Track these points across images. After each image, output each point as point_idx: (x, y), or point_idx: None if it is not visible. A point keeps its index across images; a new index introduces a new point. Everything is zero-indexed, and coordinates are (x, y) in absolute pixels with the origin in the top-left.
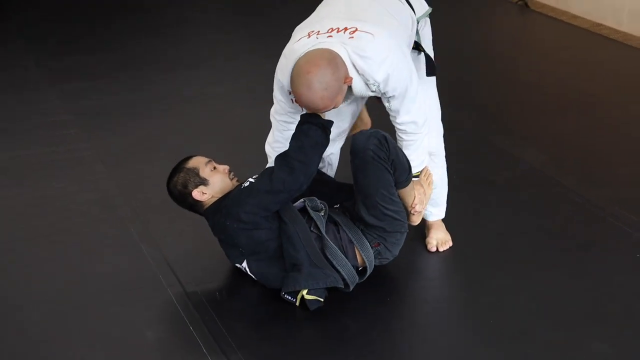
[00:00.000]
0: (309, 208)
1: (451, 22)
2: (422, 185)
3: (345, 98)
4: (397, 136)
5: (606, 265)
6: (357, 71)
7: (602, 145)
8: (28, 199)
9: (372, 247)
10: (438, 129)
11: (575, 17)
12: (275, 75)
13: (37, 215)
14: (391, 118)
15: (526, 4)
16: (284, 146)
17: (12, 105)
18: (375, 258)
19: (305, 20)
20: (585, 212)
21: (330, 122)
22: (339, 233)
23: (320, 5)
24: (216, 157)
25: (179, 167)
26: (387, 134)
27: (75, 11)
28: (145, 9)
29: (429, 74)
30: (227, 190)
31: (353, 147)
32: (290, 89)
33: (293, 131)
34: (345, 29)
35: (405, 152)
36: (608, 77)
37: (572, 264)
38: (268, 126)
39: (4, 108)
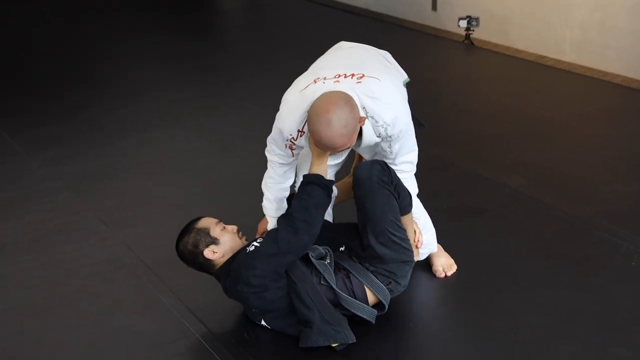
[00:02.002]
0: (313, 259)
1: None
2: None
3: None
4: None
5: (605, 277)
6: (367, 113)
7: (574, 166)
8: (37, 266)
9: (385, 287)
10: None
11: (519, 51)
12: (275, 123)
13: (51, 280)
14: (388, 161)
15: (472, 42)
16: (276, 182)
17: None
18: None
19: (306, 72)
20: (574, 229)
21: (332, 182)
22: (348, 279)
23: (318, 59)
24: (210, 213)
25: (189, 228)
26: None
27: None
28: (97, 80)
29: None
30: (237, 249)
31: (357, 176)
32: (308, 130)
33: (285, 169)
34: (353, 75)
35: None
36: (561, 104)
37: (572, 279)
38: (253, 176)
39: None
